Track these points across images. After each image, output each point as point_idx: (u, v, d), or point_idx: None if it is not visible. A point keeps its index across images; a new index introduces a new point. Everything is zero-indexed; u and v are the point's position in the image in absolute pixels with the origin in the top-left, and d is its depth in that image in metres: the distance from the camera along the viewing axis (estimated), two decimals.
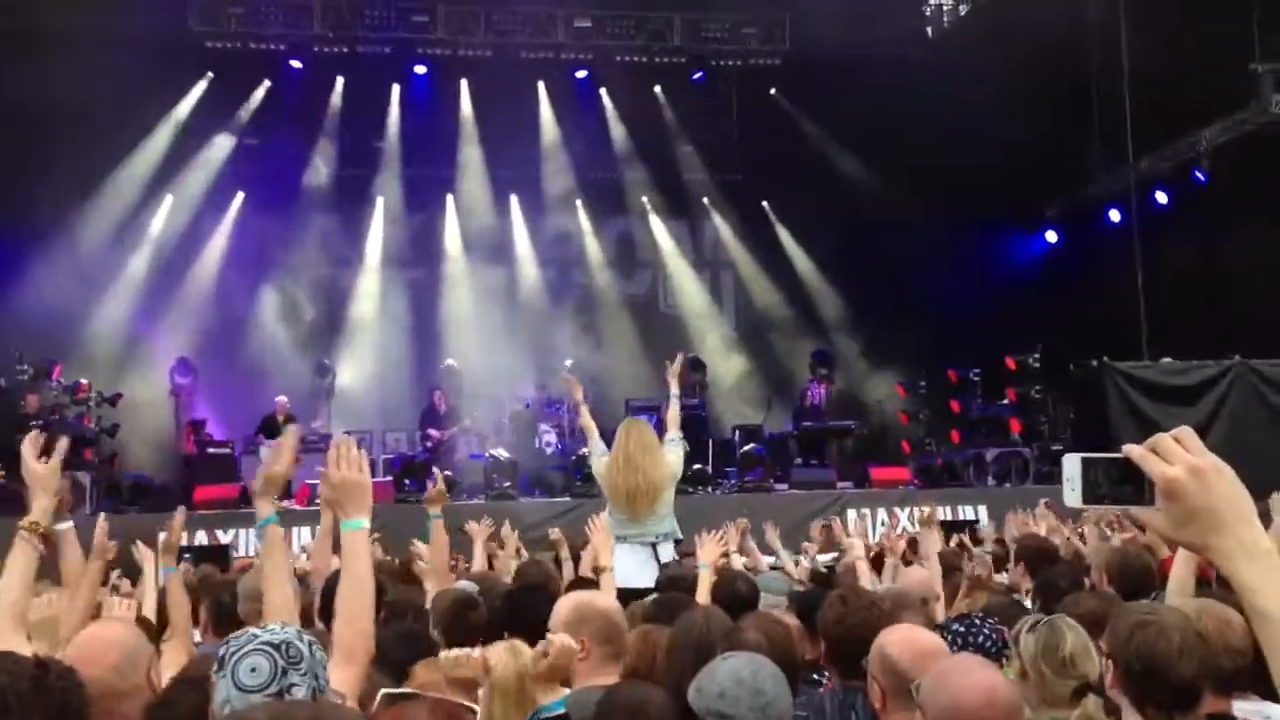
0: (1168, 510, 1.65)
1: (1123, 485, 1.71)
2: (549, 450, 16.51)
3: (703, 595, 5.28)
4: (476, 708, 2.67)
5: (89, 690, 2.19)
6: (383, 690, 2.66)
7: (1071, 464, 1.76)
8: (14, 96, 14.74)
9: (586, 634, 3.85)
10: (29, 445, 3.42)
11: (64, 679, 2.16)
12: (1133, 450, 1.68)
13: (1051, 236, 19.72)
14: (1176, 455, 1.65)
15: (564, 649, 3.46)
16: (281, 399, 16.58)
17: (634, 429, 8.09)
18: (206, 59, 18.70)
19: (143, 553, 6.35)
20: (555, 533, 8.58)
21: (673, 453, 8.06)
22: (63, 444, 3.49)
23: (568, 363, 18.06)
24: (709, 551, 5.75)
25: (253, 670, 2.53)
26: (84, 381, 15.41)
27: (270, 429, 16.15)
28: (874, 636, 3.56)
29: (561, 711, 3.19)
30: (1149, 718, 2.97)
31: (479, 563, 7.73)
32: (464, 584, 5.89)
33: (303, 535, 12.49)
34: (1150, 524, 1.71)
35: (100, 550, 5.04)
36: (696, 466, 15.32)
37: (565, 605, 4.05)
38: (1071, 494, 1.76)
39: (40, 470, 3.38)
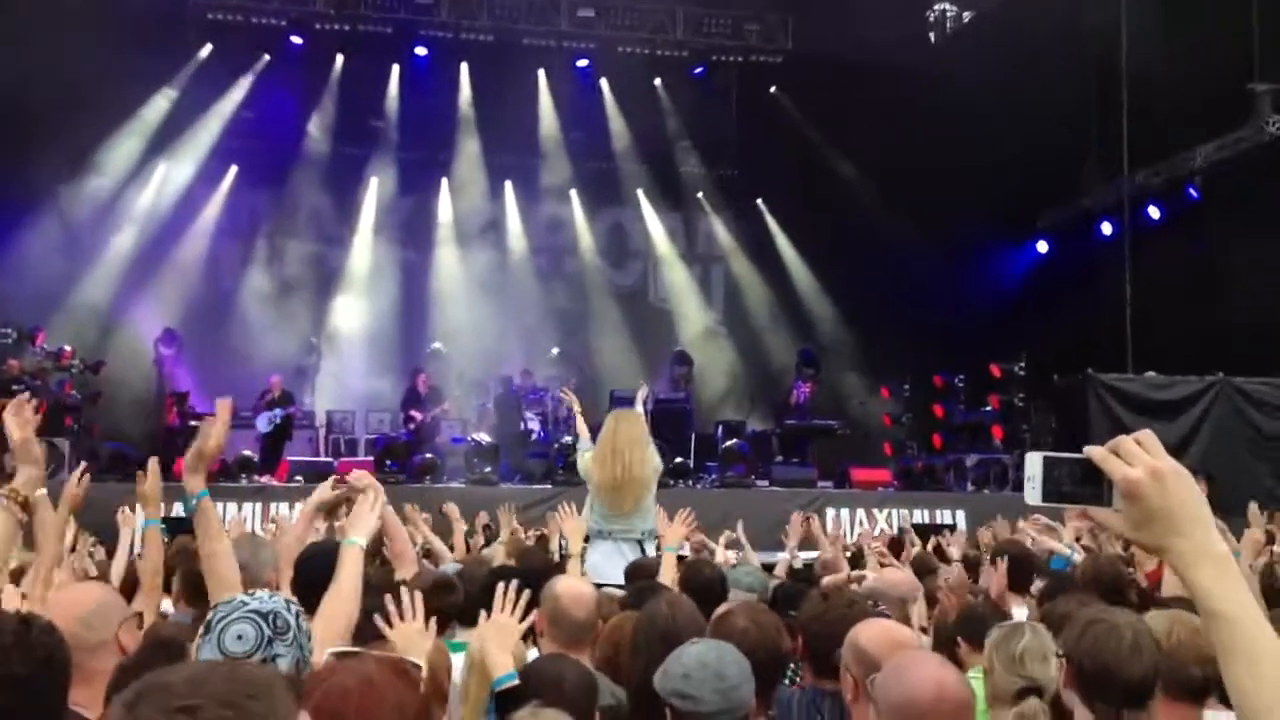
0: (1127, 511, 1.67)
1: (1083, 485, 1.72)
2: (532, 437, 16.50)
3: (666, 578, 5.29)
4: (422, 663, 2.69)
5: None
6: (328, 650, 2.68)
7: (1034, 462, 1.77)
8: (9, 62, 14.66)
9: (538, 616, 3.85)
10: (12, 413, 3.39)
11: (46, 634, 2.16)
12: (1094, 451, 1.69)
13: (1043, 247, 19.77)
14: (1137, 457, 1.66)
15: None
16: (275, 377, 16.58)
17: (623, 422, 8.01)
18: (207, 30, 18.68)
19: (124, 518, 6.32)
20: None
21: (654, 455, 8.04)
22: (27, 410, 3.45)
23: (555, 350, 18.10)
24: (673, 534, 5.75)
25: (239, 637, 2.54)
26: (67, 348, 15.36)
27: (268, 404, 16.16)
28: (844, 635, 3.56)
29: (515, 682, 3.21)
30: (1097, 714, 2.99)
31: (459, 547, 7.74)
32: (449, 567, 5.90)
33: (281, 510, 12.49)
34: (1109, 525, 1.72)
35: (69, 499, 4.97)
36: (678, 460, 15.34)
37: (548, 590, 4.06)
38: (1032, 492, 1.77)
39: (22, 440, 3.36)
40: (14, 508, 3.25)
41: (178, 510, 13.24)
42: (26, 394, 3.55)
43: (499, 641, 3.32)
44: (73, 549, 6.53)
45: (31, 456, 3.35)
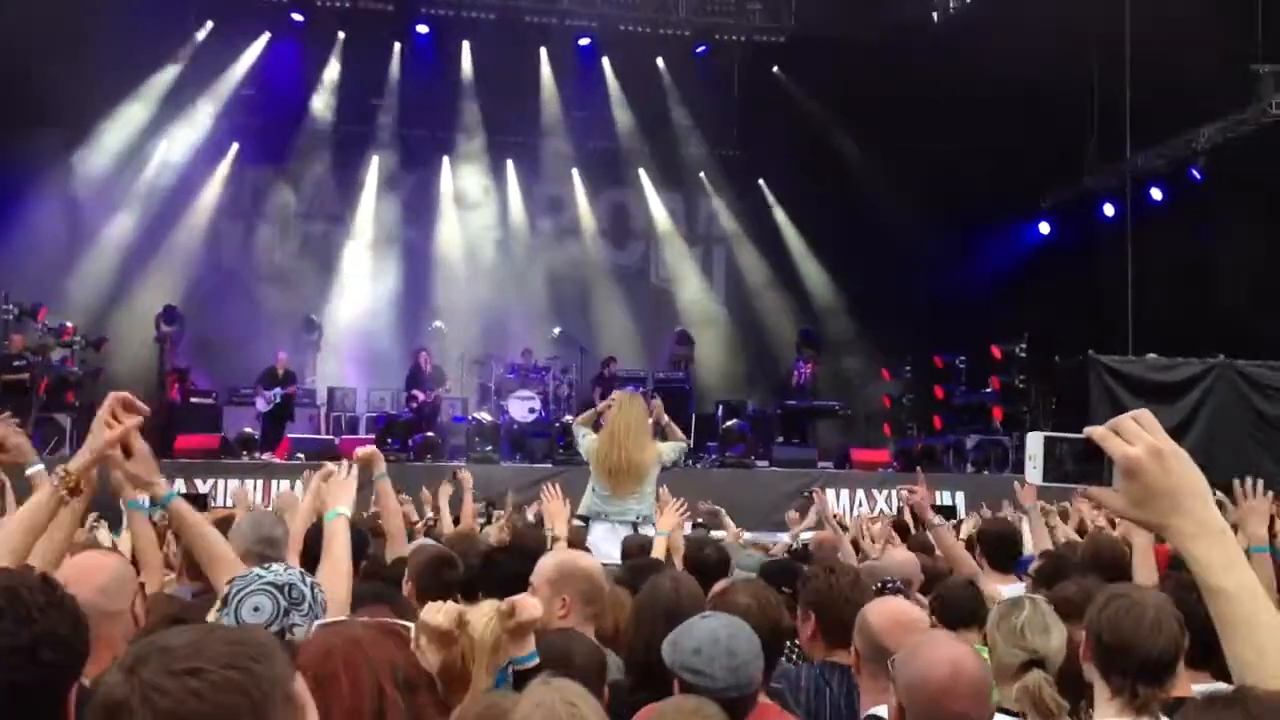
0: (1127, 490, 1.69)
1: (1083, 465, 1.74)
2: (532, 416, 16.53)
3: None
4: (410, 624, 2.70)
5: None
6: (317, 622, 2.70)
7: (1034, 442, 1.79)
8: (10, 38, 14.63)
9: (570, 593, 3.87)
10: (109, 407, 3.26)
11: (69, 596, 2.18)
12: (1094, 431, 1.71)
13: (1045, 228, 19.73)
14: (1136, 436, 1.68)
15: (531, 611, 3.49)
16: (282, 354, 16.62)
17: (626, 404, 8.04)
18: (208, 7, 18.63)
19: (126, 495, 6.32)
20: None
21: (665, 450, 8.07)
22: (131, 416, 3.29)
23: (556, 330, 18.10)
24: (666, 520, 5.79)
25: (255, 609, 2.57)
26: (69, 325, 15.37)
27: (270, 381, 16.18)
28: (859, 608, 3.59)
29: (536, 663, 3.22)
30: (1114, 687, 3.00)
31: (466, 520, 7.76)
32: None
33: (282, 486, 12.53)
34: (1109, 504, 1.74)
35: (89, 481, 4.92)
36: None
37: (550, 562, 4.06)
38: (1033, 471, 1.79)
39: (103, 431, 3.23)
40: (62, 491, 3.21)
41: (179, 487, 13.36)
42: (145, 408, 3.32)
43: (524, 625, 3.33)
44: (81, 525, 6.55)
45: (104, 452, 3.19)
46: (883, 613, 3.43)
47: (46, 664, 2.00)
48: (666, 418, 8.43)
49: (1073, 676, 3.28)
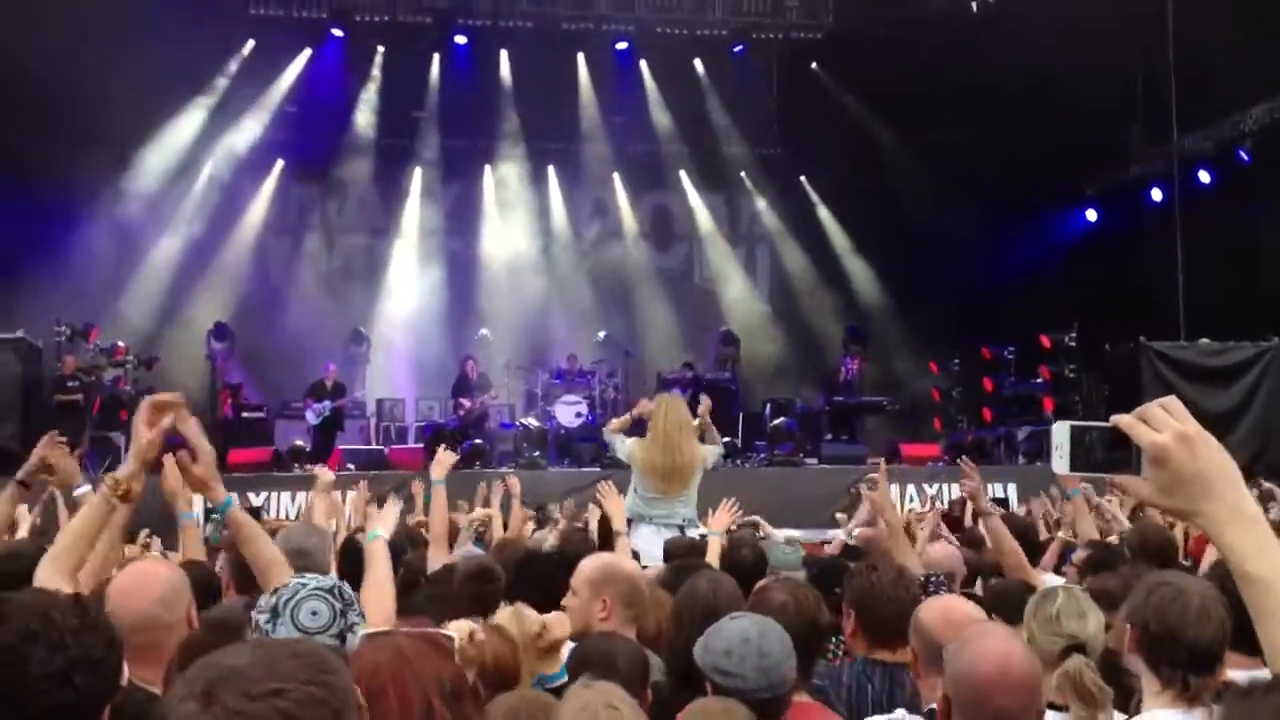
0: (1155, 477, 1.66)
1: (1111, 453, 1.71)
2: (579, 421, 16.55)
3: (712, 562, 5.32)
4: (454, 634, 2.72)
5: (134, 622, 2.24)
6: (362, 631, 2.73)
7: (1061, 432, 1.76)
8: (55, 62, 14.86)
9: (610, 595, 3.89)
10: (146, 410, 3.30)
11: (103, 614, 2.21)
12: (1121, 419, 1.69)
13: (1091, 215, 19.49)
14: (1164, 423, 1.65)
15: (560, 630, 3.53)
16: (332, 366, 16.79)
17: (670, 407, 8.04)
18: (249, 26, 18.83)
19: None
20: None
21: (709, 452, 8.07)
22: (167, 416, 3.32)
23: (601, 334, 18.12)
24: (720, 520, 5.78)
25: (314, 614, 2.60)
26: (121, 344, 15.60)
27: (319, 393, 16.33)
28: (905, 605, 3.57)
29: (564, 680, 3.24)
30: (1163, 678, 2.96)
31: (515, 525, 7.78)
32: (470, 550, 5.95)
33: (335, 498, 12.58)
34: (1138, 492, 1.71)
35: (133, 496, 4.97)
36: (726, 440, 15.31)
37: (591, 565, 4.08)
38: (1060, 461, 1.77)
39: (143, 433, 3.23)
40: (112, 496, 3.25)
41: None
42: (180, 396, 3.35)
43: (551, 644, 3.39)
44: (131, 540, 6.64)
45: (139, 447, 3.23)
46: (935, 611, 3.41)
47: (80, 688, 2.03)
48: (709, 419, 8.42)
49: (1115, 665, 3.24)
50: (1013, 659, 2.70)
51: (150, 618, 3.03)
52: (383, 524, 3.96)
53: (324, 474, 6.26)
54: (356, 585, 3.58)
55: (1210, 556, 4.71)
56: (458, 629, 2.83)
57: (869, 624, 3.88)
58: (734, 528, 6.46)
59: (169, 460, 4.16)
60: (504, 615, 3.55)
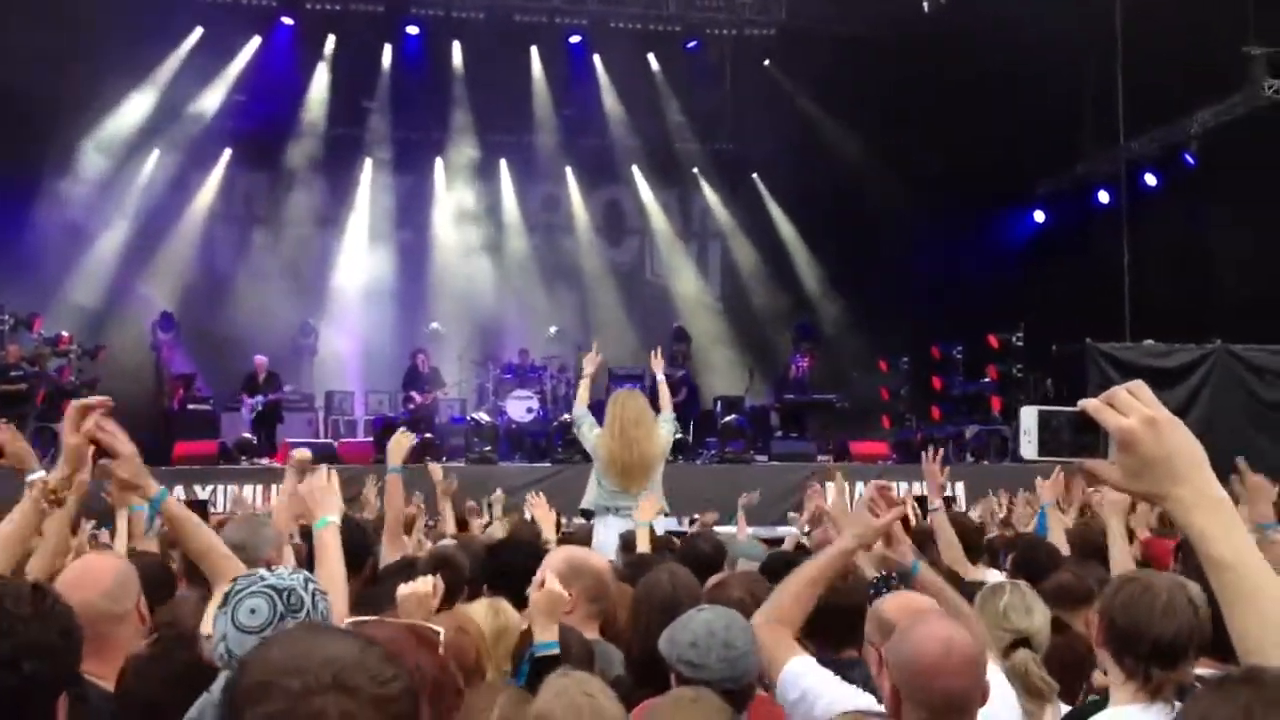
0: (1123, 462, 1.67)
1: (1079, 438, 1.72)
2: (530, 416, 16.49)
3: (643, 549, 5.34)
4: (440, 628, 2.72)
5: (82, 615, 2.20)
6: (346, 619, 2.71)
7: (1029, 417, 1.77)
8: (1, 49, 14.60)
9: (577, 589, 3.87)
10: (72, 415, 3.22)
11: (60, 603, 2.17)
12: (1088, 403, 1.69)
13: (1040, 216, 19.73)
14: (1131, 407, 1.66)
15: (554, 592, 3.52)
16: (260, 358, 16.52)
17: (627, 401, 8.01)
18: (197, 13, 18.52)
19: (116, 499, 6.32)
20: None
21: (664, 430, 8.03)
22: (90, 419, 3.25)
23: (553, 329, 18.08)
24: (645, 511, 5.82)
25: (252, 612, 2.56)
26: (65, 334, 15.35)
27: (251, 387, 16.13)
28: (856, 607, 3.57)
29: (556, 651, 3.25)
30: (1127, 671, 2.99)
31: (450, 524, 7.75)
32: (447, 543, 5.92)
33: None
34: (1105, 476, 1.72)
35: (78, 488, 4.88)
36: (678, 436, 15.32)
37: (558, 557, 4.04)
38: (1028, 446, 1.77)
39: (70, 438, 3.14)
40: (43, 502, 3.21)
41: (179, 494, 13.31)
42: (107, 400, 3.28)
43: (548, 610, 3.38)
44: (73, 533, 6.51)
45: (79, 460, 3.17)
46: (897, 606, 3.41)
47: (29, 675, 2.00)
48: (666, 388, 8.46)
49: (1070, 658, 3.27)
50: (954, 641, 2.71)
51: (98, 610, 3.00)
52: (330, 508, 3.72)
53: (300, 452, 6.07)
54: None
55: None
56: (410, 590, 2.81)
57: (828, 624, 3.88)
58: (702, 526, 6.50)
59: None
60: (478, 608, 3.54)
